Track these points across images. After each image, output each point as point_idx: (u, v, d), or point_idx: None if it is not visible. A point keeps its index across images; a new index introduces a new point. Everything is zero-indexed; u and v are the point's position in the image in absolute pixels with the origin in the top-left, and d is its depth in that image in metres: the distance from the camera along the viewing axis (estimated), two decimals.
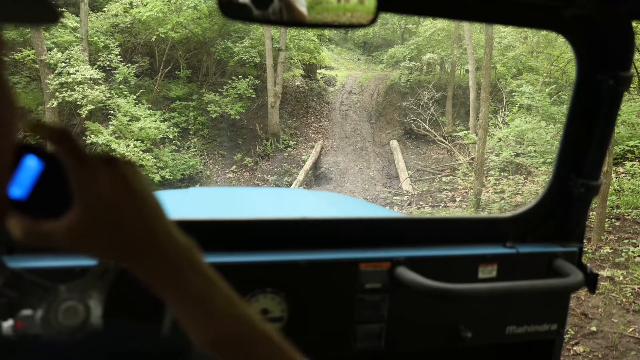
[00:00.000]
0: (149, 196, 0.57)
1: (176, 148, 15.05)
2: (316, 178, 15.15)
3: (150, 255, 0.56)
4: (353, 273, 1.25)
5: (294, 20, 0.84)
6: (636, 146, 10.38)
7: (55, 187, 0.54)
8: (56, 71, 13.14)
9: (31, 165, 0.54)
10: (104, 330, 0.79)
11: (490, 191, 11.64)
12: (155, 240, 0.56)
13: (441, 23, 17.69)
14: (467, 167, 13.59)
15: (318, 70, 21.06)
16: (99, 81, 13.76)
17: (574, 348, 4.42)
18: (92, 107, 13.26)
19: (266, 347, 0.59)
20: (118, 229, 0.54)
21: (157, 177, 13.40)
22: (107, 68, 14.59)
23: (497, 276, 1.35)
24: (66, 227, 0.53)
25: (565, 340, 4.42)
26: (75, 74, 13.08)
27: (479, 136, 11.16)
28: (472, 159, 12.91)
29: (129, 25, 15.99)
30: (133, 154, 12.96)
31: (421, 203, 12.25)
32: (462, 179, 13.21)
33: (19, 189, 0.53)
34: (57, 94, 13.00)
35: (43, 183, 0.54)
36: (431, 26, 18.62)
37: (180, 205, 3.39)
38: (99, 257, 0.55)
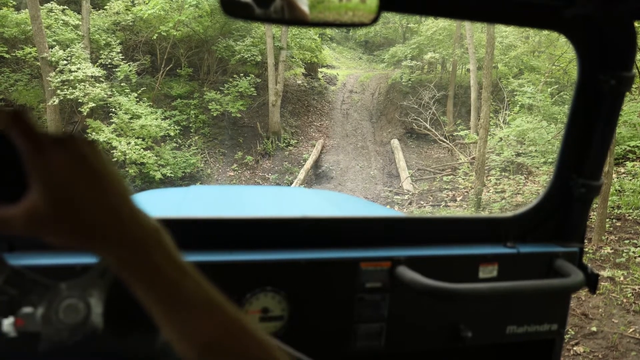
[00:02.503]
0: (110, 176, 0.53)
1: (177, 146, 15.06)
2: (317, 177, 15.15)
3: (115, 238, 0.52)
4: (353, 272, 1.24)
5: (295, 19, 0.84)
6: (637, 146, 10.37)
7: (10, 171, 0.51)
8: (57, 69, 13.16)
9: None
10: (104, 328, 0.79)
11: (491, 191, 11.63)
12: (119, 222, 0.52)
13: (443, 22, 17.67)
14: (468, 167, 13.58)
15: (319, 69, 21.05)
16: (100, 79, 13.77)
17: (574, 348, 4.42)
18: (94, 104, 13.27)
19: (242, 336, 0.56)
20: (78, 211, 0.51)
21: (158, 175, 13.42)
22: (109, 66, 14.59)
23: (497, 276, 1.35)
24: (23, 212, 0.50)
25: (566, 341, 4.41)
26: (76, 71, 13.10)
27: (480, 136, 11.15)
28: (473, 158, 12.90)
29: (131, 23, 16.02)
30: (134, 152, 12.99)
31: (422, 202, 12.24)
32: (463, 179, 13.20)
33: None
34: (58, 91, 13.01)
35: None
36: (433, 25, 18.60)
37: (181, 203, 3.39)
38: (60, 242, 0.52)
